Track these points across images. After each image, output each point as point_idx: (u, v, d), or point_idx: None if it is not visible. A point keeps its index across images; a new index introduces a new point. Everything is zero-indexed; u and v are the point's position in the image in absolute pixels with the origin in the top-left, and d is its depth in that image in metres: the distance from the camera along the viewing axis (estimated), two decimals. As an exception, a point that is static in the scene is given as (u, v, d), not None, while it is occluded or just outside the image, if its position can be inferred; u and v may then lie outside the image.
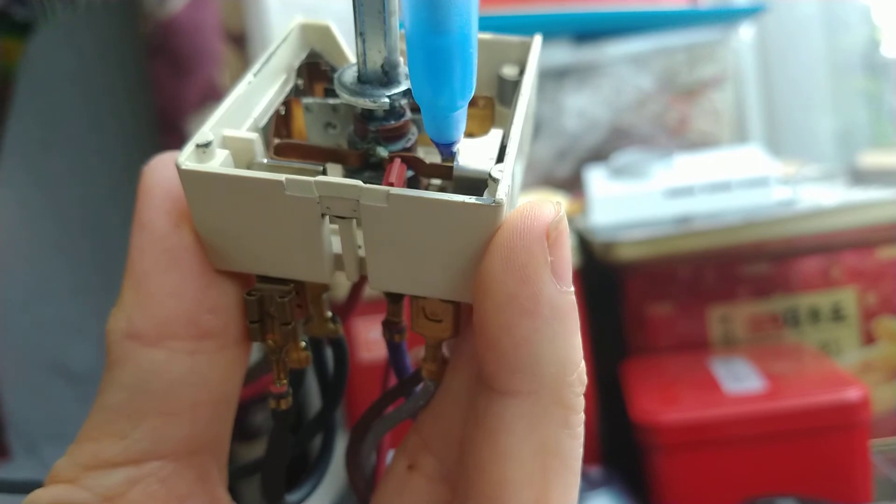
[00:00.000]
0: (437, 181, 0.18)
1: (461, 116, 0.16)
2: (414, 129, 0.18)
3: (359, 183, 0.15)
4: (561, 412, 0.15)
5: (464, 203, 0.15)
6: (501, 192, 0.15)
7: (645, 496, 0.45)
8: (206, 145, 0.16)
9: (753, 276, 0.51)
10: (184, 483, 0.17)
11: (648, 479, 0.44)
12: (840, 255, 0.50)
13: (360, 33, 0.16)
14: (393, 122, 0.17)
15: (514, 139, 0.16)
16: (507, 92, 0.20)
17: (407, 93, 0.17)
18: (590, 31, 0.65)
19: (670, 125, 0.67)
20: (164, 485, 0.17)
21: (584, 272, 0.50)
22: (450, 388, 0.18)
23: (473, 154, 0.17)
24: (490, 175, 0.15)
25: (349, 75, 0.17)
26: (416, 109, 0.18)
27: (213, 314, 0.17)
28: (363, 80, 0.17)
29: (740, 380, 0.45)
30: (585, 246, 0.52)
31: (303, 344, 0.19)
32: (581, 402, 0.16)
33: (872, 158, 0.71)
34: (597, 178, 0.58)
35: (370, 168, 0.18)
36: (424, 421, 0.19)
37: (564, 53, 0.65)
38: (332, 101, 0.19)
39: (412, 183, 0.17)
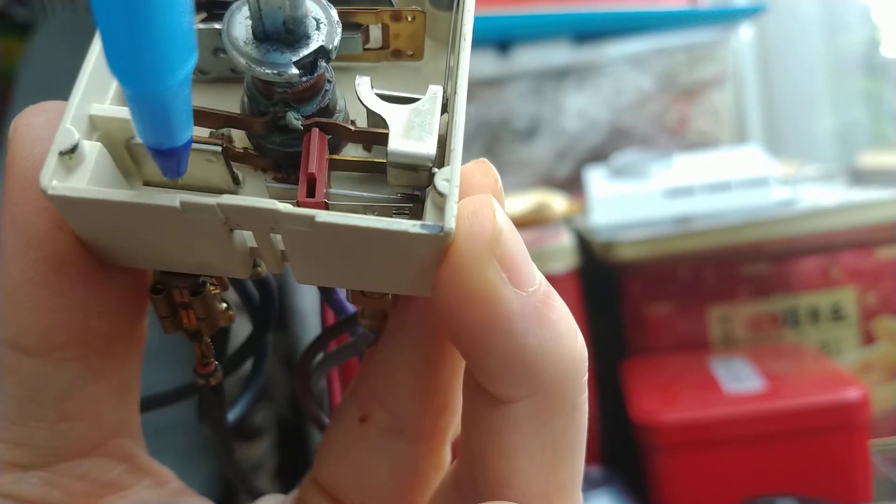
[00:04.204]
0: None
1: (182, 104, 0.11)
2: (330, 76, 0.14)
3: (275, 205, 0.12)
4: (567, 402, 0.14)
5: (407, 233, 0.12)
6: (450, 217, 0.13)
7: (645, 496, 0.45)
8: (73, 150, 0.12)
9: (753, 276, 0.51)
10: (105, 470, 0.16)
11: (648, 479, 0.44)
12: (840, 255, 0.50)
13: None
14: (305, 81, 0.14)
15: (460, 123, 0.14)
16: None
17: (319, 51, 0.13)
18: (590, 31, 0.65)
19: (670, 125, 0.67)
20: (84, 480, 0.16)
21: (584, 272, 0.50)
22: (399, 348, 0.17)
23: (407, 126, 0.14)
24: (435, 187, 0.13)
25: (240, 29, 0.13)
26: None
27: (103, 318, 0.15)
28: (260, 38, 0.13)
29: (740, 380, 0.45)
30: (585, 246, 0.52)
31: (224, 306, 0.17)
32: (585, 382, 0.15)
33: (872, 158, 0.71)
34: (597, 178, 0.58)
35: (279, 130, 0.14)
36: (375, 376, 0.18)
37: (564, 53, 0.65)
38: (218, 25, 0.15)
39: (331, 146, 0.14)
